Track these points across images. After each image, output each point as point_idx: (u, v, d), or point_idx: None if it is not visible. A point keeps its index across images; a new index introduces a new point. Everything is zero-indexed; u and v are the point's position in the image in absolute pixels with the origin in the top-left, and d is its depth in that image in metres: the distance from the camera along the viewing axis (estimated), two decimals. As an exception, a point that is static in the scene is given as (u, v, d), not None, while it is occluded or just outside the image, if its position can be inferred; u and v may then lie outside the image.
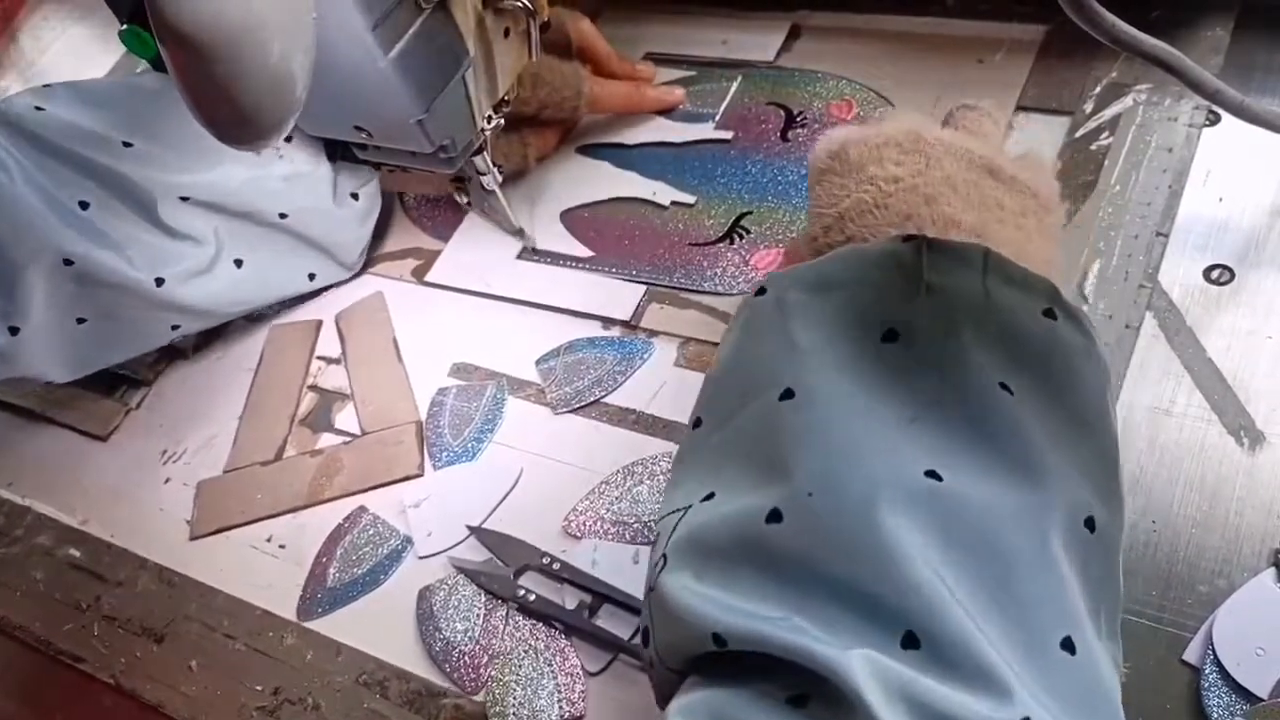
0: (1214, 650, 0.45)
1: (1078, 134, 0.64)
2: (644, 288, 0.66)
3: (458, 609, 0.56)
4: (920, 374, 0.37)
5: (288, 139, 0.67)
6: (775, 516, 0.34)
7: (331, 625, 0.58)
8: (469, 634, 0.55)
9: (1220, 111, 0.60)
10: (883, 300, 0.38)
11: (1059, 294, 0.38)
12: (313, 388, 0.69)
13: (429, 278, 0.72)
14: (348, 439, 0.66)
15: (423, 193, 0.77)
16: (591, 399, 0.62)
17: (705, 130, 0.73)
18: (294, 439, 0.67)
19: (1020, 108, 0.67)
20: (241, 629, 0.59)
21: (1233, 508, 0.49)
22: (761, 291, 0.41)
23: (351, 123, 0.61)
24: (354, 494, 0.63)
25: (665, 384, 0.61)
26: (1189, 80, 0.53)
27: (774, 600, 0.33)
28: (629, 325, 0.65)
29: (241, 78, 0.42)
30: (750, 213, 0.67)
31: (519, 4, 0.60)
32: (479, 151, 0.65)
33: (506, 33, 0.62)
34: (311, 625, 0.58)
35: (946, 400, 0.36)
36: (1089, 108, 0.65)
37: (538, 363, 0.65)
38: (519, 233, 0.71)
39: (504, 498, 0.60)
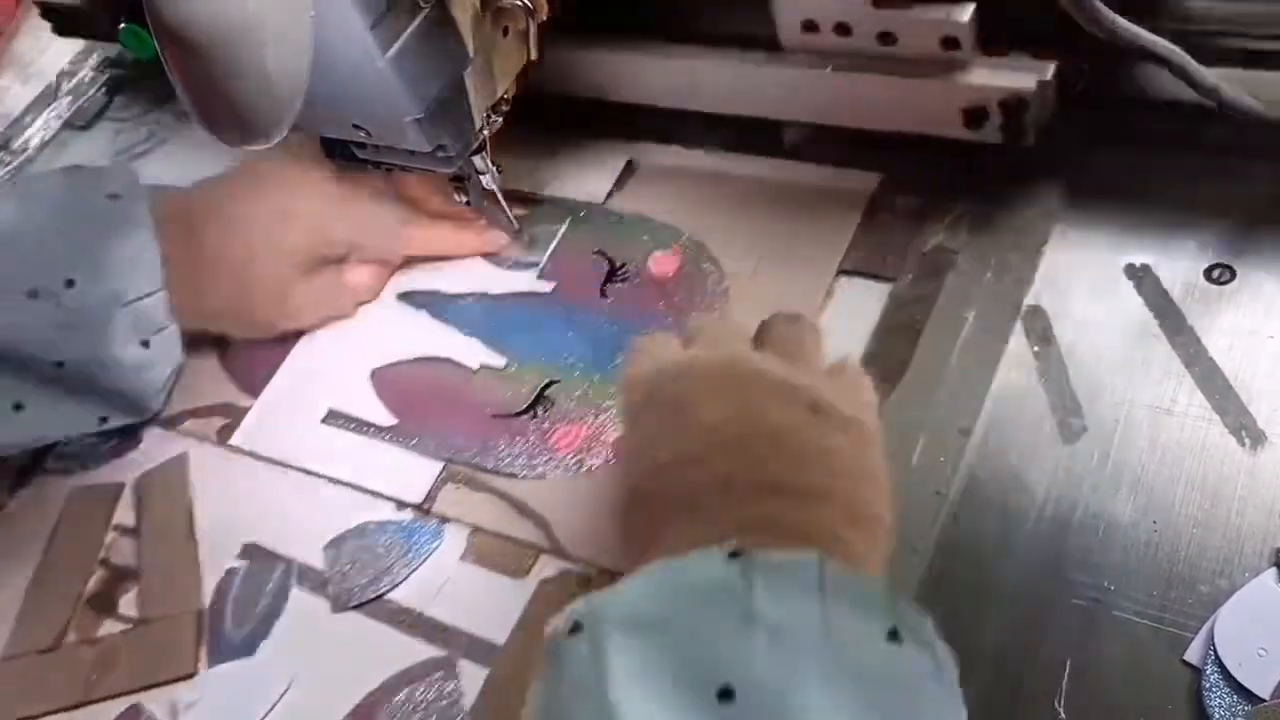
0: (1215, 650, 0.45)
1: (897, 306, 0.61)
2: (442, 464, 0.62)
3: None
4: None
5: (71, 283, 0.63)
6: None
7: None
8: None
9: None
10: (715, 648, 0.34)
11: (901, 607, 0.36)
12: (104, 562, 0.66)
13: (233, 441, 0.68)
14: (128, 625, 0.62)
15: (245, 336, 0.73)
16: (374, 594, 0.59)
17: (529, 280, 0.70)
18: (77, 622, 0.64)
19: (842, 271, 0.63)
20: (-6, 847, 0.57)
21: (1234, 507, 0.49)
22: (575, 628, 0.35)
23: (350, 121, 0.61)
24: (127, 694, 0.60)
25: (449, 580, 0.58)
26: (1188, 78, 0.54)
27: None
28: (420, 509, 0.61)
29: (239, 77, 0.43)
30: (557, 381, 0.64)
31: (518, 3, 0.59)
32: (477, 151, 0.64)
33: (505, 32, 0.62)
34: None
35: None
36: (910, 276, 0.62)
37: (325, 548, 0.61)
38: (519, 233, 0.70)
39: (275, 703, 0.57)
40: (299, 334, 0.71)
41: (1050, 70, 0.59)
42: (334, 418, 0.67)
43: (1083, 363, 0.55)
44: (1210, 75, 0.55)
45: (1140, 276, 0.57)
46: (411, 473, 0.63)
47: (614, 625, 0.35)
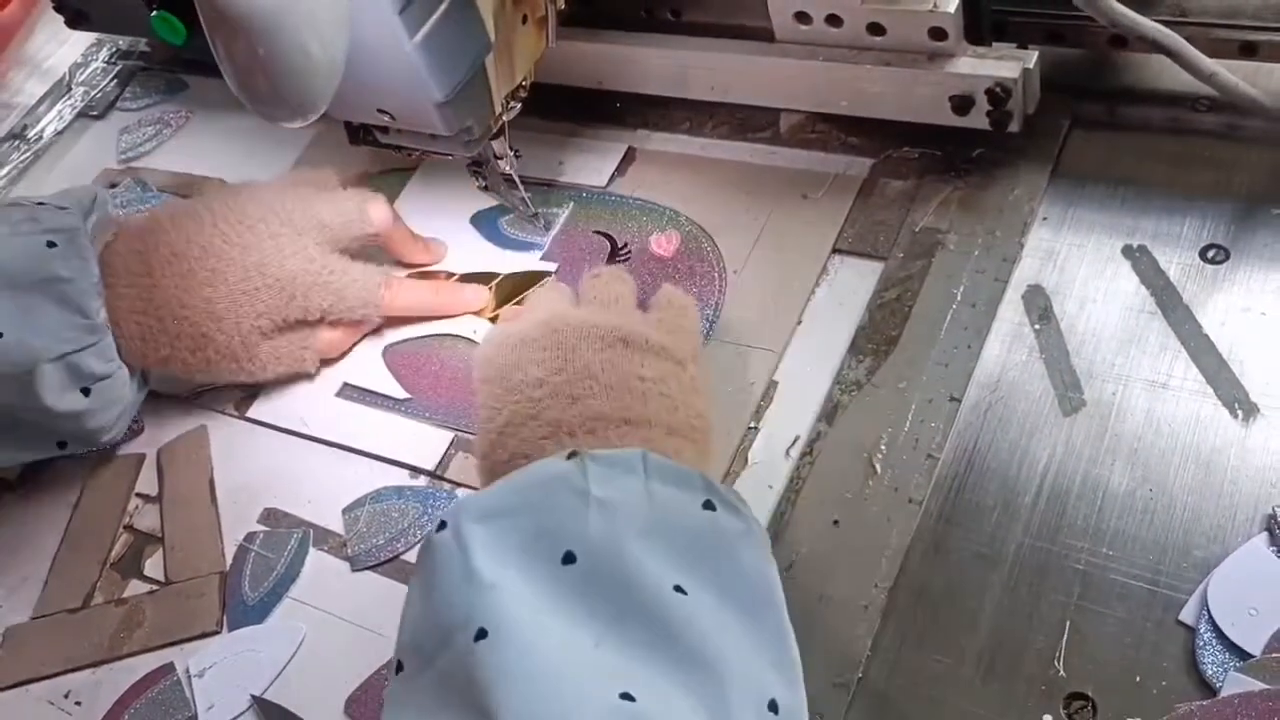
0: (1209, 611, 0.47)
1: (889, 283, 0.64)
2: (453, 434, 0.65)
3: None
4: (600, 593, 0.40)
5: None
6: None
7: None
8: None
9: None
10: (557, 523, 0.41)
11: (713, 484, 0.44)
12: (128, 528, 0.69)
13: (250, 413, 0.71)
14: (154, 587, 0.65)
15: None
16: (391, 555, 0.62)
17: (532, 260, 0.72)
18: (103, 584, 0.66)
19: (836, 250, 0.67)
20: (28, 794, 0.59)
21: (1227, 476, 0.51)
22: (442, 526, 0.42)
23: (375, 105, 0.62)
24: (153, 649, 0.62)
25: (463, 541, 0.61)
26: (1186, 64, 0.57)
27: None
28: (434, 475, 0.64)
29: (280, 55, 0.45)
30: (564, 355, 0.66)
31: None
32: (497, 136, 0.66)
33: (524, 19, 0.64)
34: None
35: (627, 616, 0.39)
36: (901, 254, 0.65)
37: (344, 511, 0.64)
38: (535, 216, 0.72)
39: (288, 662, 0.59)
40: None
41: (1034, 59, 0.62)
42: (348, 391, 0.70)
43: (1082, 339, 0.58)
44: (1209, 61, 0.57)
45: (1138, 256, 0.60)
46: (424, 442, 0.66)
47: (472, 516, 0.42)
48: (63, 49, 1.03)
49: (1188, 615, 0.48)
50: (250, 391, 0.72)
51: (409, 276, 0.73)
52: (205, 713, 0.59)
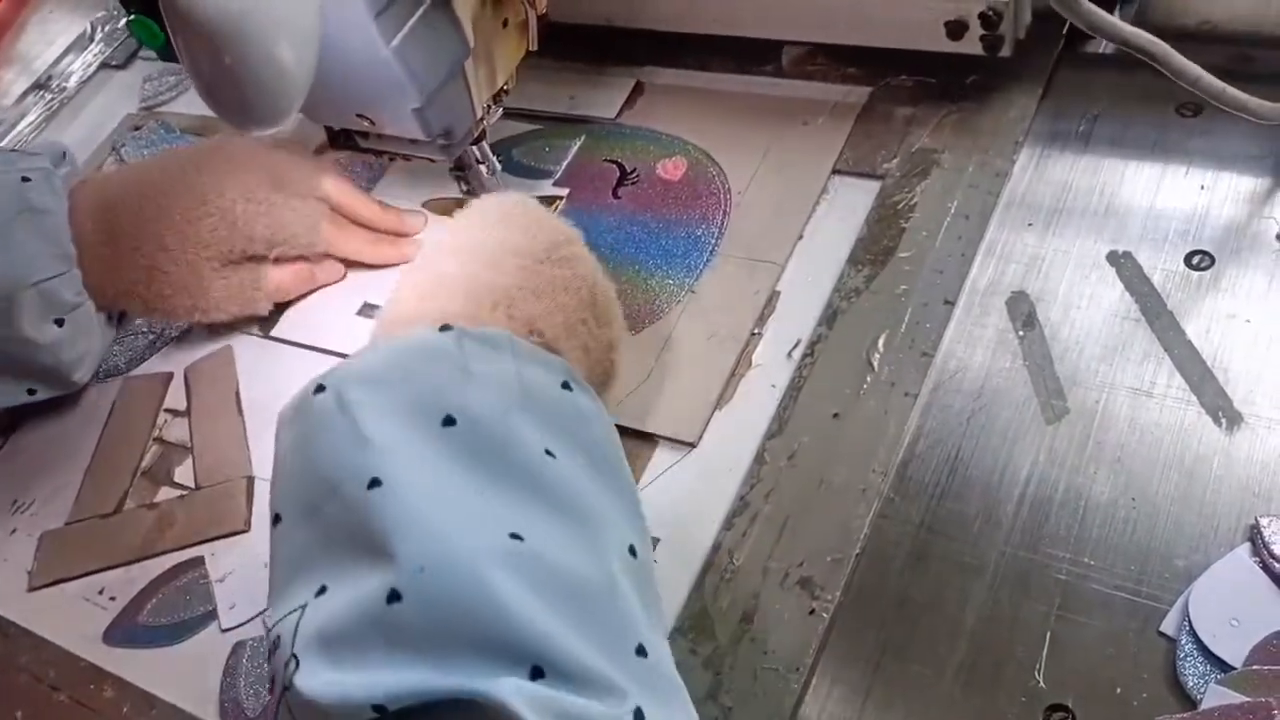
0: (1190, 622, 0.46)
1: (886, 199, 0.67)
2: (470, 346, 0.68)
3: (261, 670, 0.58)
4: (481, 454, 0.42)
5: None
6: (395, 596, 0.37)
7: (154, 674, 0.61)
8: (259, 699, 0.57)
9: (1201, 101, 0.61)
10: (438, 390, 0.43)
11: (570, 369, 0.48)
12: (158, 439, 0.72)
13: (274, 332, 0.74)
14: (184, 492, 0.68)
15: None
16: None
17: (544, 187, 0.75)
18: (135, 491, 0.69)
19: (836, 171, 0.69)
20: (66, 680, 0.62)
21: (1210, 485, 0.51)
22: (320, 390, 0.44)
23: (354, 111, 0.63)
24: (184, 548, 0.65)
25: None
26: (1170, 68, 0.56)
27: (414, 669, 0.37)
28: (452, 384, 0.67)
29: (248, 63, 0.45)
30: (576, 272, 0.69)
31: None
32: (478, 140, 0.67)
33: (505, 23, 0.65)
34: (125, 674, 0.61)
35: (507, 474, 0.42)
36: (898, 172, 0.68)
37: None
38: None
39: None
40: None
41: (1024, -16, 0.65)
42: (368, 310, 0.73)
43: (1065, 346, 0.57)
44: (1193, 67, 0.56)
45: (1122, 263, 0.60)
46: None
47: (353, 381, 0.43)
48: (51, 48, 1.05)
49: (1169, 626, 0.47)
50: (273, 313, 0.74)
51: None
52: (227, 612, 0.61)
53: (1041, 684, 0.47)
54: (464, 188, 0.72)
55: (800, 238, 0.67)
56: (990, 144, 0.67)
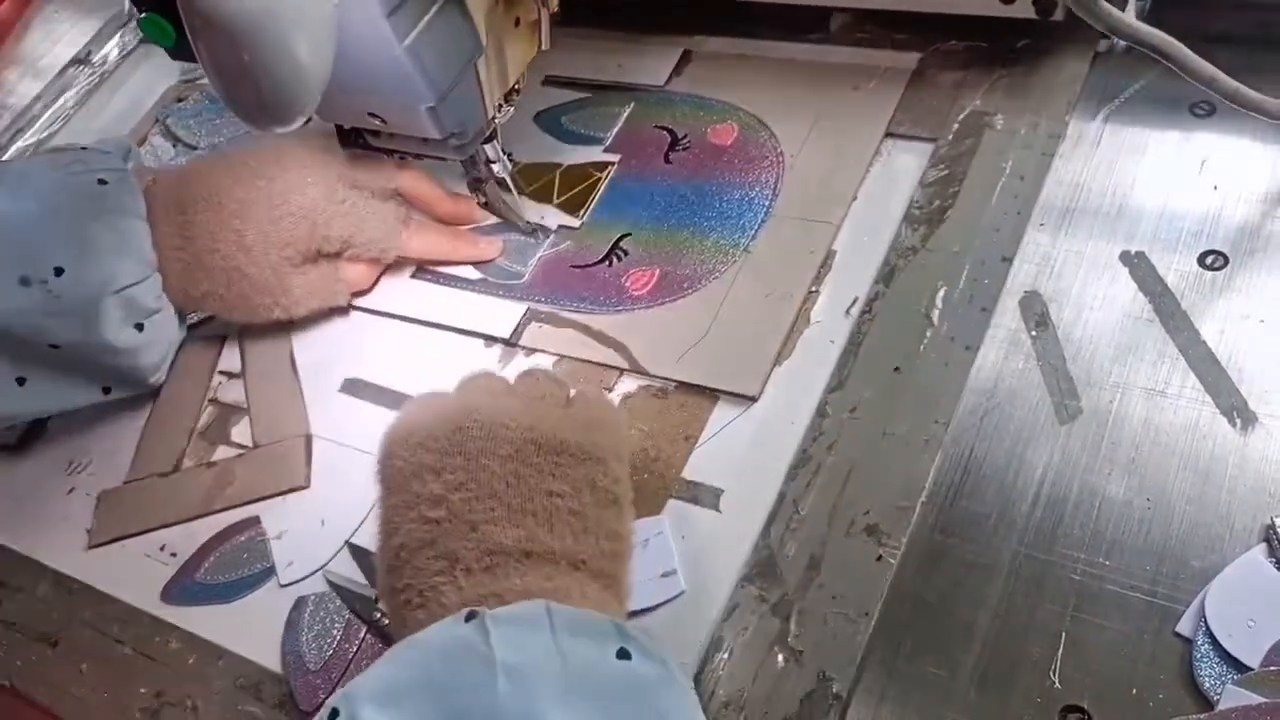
0: (1206, 623, 0.46)
1: (939, 161, 0.67)
2: (525, 307, 0.69)
3: (322, 624, 0.59)
4: None
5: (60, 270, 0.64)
6: None
7: (215, 628, 0.61)
8: (321, 653, 0.57)
9: (1215, 101, 0.61)
10: (465, 702, 0.38)
11: (625, 630, 0.41)
12: (213, 401, 0.72)
13: (329, 295, 0.74)
14: (241, 451, 0.68)
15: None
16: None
17: (594, 153, 0.76)
18: (192, 451, 0.70)
19: (889, 134, 0.70)
20: (130, 634, 0.63)
21: (1225, 486, 0.50)
22: (333, 714, 0.38)
23: (365, 109, 0.63)
24: (244, 504, 0.66)
25: (540, 400, 0.64)
26: (1185, 68, 0.56)
27: None
28: (509, 343, 0.68)
29: (265, 62, 0.45)
30: (629, 234, 0.70)
31: None
32: (489, 139, 0.67)
33: (517, 22, 0.65)
34: (192, 628, 0.61)
35: None
36: (951, 135, 0.68)
37: (422, 378, 0.67)
38: (533, 231, 0.72)
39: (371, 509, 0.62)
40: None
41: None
42: (423, 273, 0.73)
43: (1079, 346, 0.57)
44: (1208, 67, 0.56)
45: (1135, 263, 0.59)
46: (497, 314, 0.69)
47: (367, 700, 0.38)
48: (57, 47, 1.04)
49: (1185, 627, 0.47)
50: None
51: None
52: (285, 568, 0.62)
53: (1057, 685, 0.47)
54: (481, 200, 0.72)
55: (855, 199, 0.67)
56: (1042, 106, 0.67)
